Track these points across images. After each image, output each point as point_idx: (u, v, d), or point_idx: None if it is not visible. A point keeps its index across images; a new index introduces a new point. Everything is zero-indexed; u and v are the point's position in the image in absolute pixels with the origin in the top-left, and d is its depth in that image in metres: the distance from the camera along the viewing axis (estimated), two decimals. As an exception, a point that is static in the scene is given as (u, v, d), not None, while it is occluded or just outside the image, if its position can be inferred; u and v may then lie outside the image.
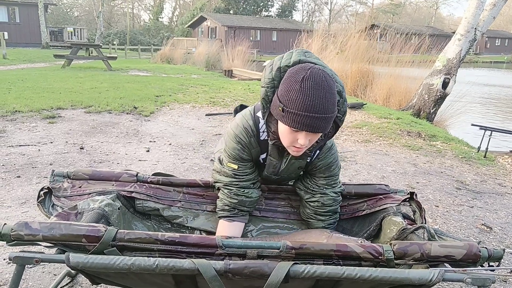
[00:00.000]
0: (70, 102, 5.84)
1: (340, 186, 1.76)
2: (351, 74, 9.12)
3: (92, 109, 5.53)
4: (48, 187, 1.61)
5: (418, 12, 70.00)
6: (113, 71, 12.18)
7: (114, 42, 30.54)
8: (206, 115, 5.74)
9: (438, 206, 2.99)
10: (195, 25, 41.05)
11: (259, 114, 1.59)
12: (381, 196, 1.79)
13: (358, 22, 55.26)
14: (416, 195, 1.71)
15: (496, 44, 50.62)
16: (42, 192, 1.58)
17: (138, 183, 1.77)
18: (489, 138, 4.58)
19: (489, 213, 2.94)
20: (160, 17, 50.05)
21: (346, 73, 9.22)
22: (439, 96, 7.05)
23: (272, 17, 46.05)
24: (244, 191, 1.64)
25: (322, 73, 1.36)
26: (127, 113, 5.47)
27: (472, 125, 4.87)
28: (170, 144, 4.23)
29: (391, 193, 1.80)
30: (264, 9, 47.14)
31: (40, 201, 1.56)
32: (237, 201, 1.64)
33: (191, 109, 6.13)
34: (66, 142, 4.03)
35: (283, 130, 1.44)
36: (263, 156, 1.66)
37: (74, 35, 30.72)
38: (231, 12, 44.12)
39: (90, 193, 1.67)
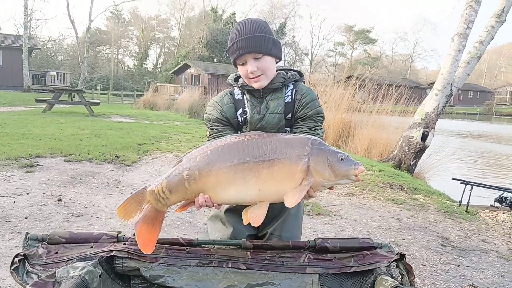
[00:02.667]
0: (50, 150, 5.71)
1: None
2: (333, 125, 9.28)
3: (72, 157, 5.41)
4: (23, 254, 1.52)
5: (394, 64, 73.20)
6: (95, 117, 12.12)
7: (97, 87, 30.68)
8: (189, 165, 5.68)
9: (425, 265, 2.95)
10: (179, 72, 41.80)
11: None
12: (367, 252, 1.77)
13: (337, 73, 57.34)
14: (405, 257, 1.70)
15: (469, 97, 53.01)
16: (16, 259, 1.49)
17: (119, 242, 1.70)
18: (470, 193, 4.64)
19: (476, 272, 2.91)
20: (144, 63, 50.93)
21: (328, 123, 9.37)
22: (419, 149, 7.19)
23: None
24: None
25: (256, 18, 1.77)
26: (109, 162, 5.37)
27: (453, 179, 4.93)
28: (151, 196, 4.12)
29: (377, 248, 1.79)
30: (247, 58, 48.35)
31: (13, 269, 1.48)
32: None
33: (173, 159, 6.07)
34: (44, 193, 3.88)
35: (239, 69, 1.78)
36: (240, 111, 1.82)
37: (57, 79, 30.77)
38: (215, 60, 45.21)
39: (67, 260, 1.57)
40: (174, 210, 1.63)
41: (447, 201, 5.04)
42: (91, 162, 5.32)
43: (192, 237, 1.76)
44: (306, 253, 1.76)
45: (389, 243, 1.81)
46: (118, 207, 1.58)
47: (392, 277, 1.59)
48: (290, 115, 1.81)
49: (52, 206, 3.53)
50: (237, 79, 1.88)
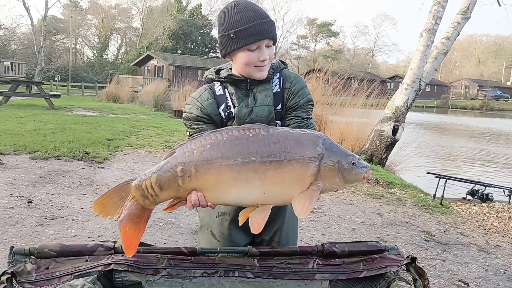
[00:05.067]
0: (12, 147, 5.34)
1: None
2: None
3: (38, 154, 5.08)
4: (12, 272, 1.36)
5: (356, 58, 74.74)
6: (56, 110, 11.55)
7: (55, 78, 29.37)
8: (163, 161, 5.49)
9: (413, 261, 2.96)
10: (141, 63, 40.74)
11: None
12: (376, 256, 1.71)
13: (301, 66, 57.86)
14: (417, 260, 1.66)
15: (427, 90, 54.97)
16: (3, 278, 1.33)
17: (116, 254, 1.56)
18: (444, 186, 4.75)
19: (461, 267, 2.96)
20: (105, 54, 49.26)
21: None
22: (390, 142, 7.32)
23: (220, 58, 46.91)
24: None
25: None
26: (78, 159, 5.08)
27: (428, 173, 5.04)
28: (128, 195, 3.93)
29: (385, 251, 1.73)
30: (211, 50, 47.99)
31: (1, 288, 1.32)
32: None
33: (146, 155, 5.85)
34: (11, 194, 3.60)
35: (243, 57, 1.56)
36: (222, 107, 1.66)
37: (11, 69, 29.08)
38: (179, 52, 44.42)
39: (60, 276, 1.42)
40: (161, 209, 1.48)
41: (422, 195, 5.15)
42: (59, 159, 5.02)
43: (195, 246, 1.64)
44: (314, 259, 1.69)
45: (395, 245, 1.78)
46: (94, 201, 1.41)
47: (407, 283, 1.55)
48: (280, 106, 1.70)
49: (22, 209, 3.28)
50: (217, 72, 1.73)
